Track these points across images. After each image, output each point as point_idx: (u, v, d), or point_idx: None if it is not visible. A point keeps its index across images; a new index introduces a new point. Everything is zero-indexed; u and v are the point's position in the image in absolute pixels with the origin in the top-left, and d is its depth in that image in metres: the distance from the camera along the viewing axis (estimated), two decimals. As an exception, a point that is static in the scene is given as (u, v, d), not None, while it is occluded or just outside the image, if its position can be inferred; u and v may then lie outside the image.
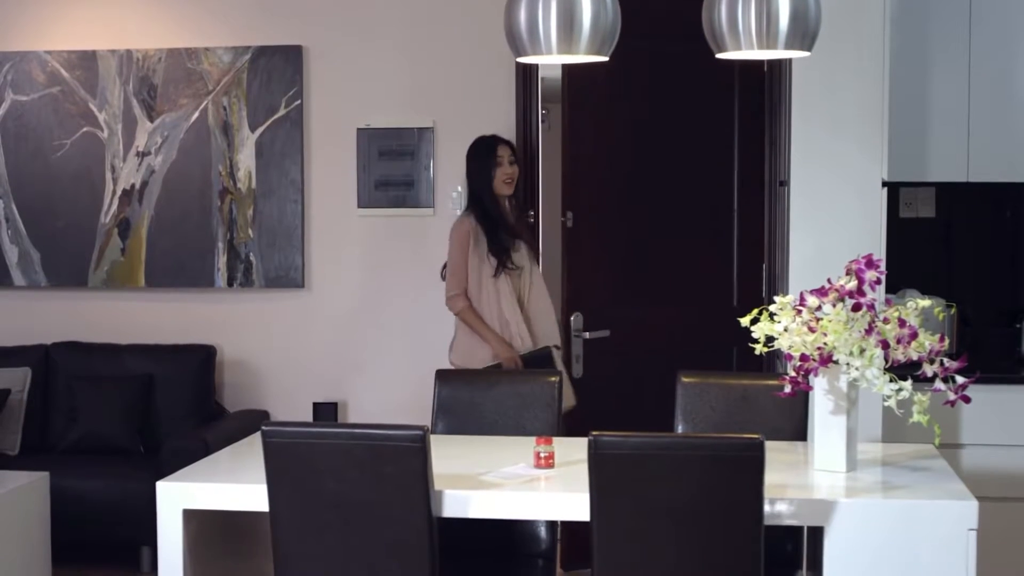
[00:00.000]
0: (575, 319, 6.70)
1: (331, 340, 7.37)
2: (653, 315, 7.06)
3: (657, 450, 3.80)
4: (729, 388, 5.04)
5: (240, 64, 7.32)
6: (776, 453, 4.29)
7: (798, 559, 4.69)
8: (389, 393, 7.28)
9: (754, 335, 4.25)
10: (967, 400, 4.09)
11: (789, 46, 4.22)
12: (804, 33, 4.21)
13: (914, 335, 4.08)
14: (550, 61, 4.30)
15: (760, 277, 6.93)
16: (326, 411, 7.24)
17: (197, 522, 4.26)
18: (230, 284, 7.36)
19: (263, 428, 3.99)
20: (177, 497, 4.19)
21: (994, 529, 5.06)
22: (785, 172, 6.08)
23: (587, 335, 6.70)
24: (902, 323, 4.10)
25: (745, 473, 3.73)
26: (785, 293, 4.88)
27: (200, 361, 7.24)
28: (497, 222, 6.37)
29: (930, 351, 4.11)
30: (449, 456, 4.45)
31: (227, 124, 7.34)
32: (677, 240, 7.02)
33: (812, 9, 4.20)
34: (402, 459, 3.86)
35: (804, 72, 5.66)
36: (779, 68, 6.47)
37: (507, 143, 6.53)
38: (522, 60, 4.34)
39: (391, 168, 7.27)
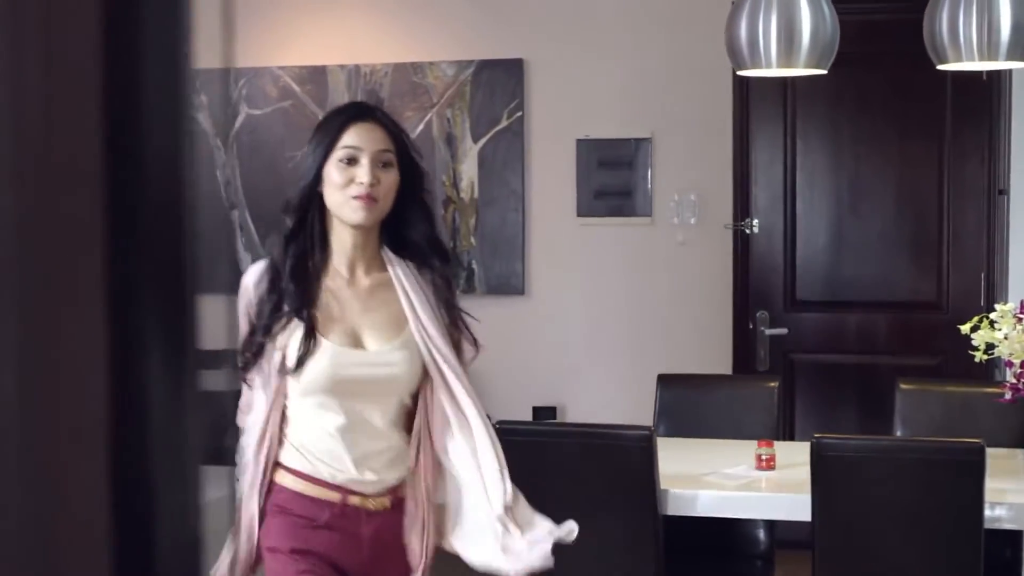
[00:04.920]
0: (761, 316, 7.07)
1: (550, 345, 7.54)
2: (860, 321, 7.12)
3: (878, 453, 3.89)
4: (948, 395, 5.09)
5: (464, 77, 7.54)
6: (995, 460, 4.34)
7: (1017, 565, 4.71)
8: (606, 398, 7.42)
9: (974, 343, 4.31)
10: None
11: (1010, 57, 4.28)
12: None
13: None
14: (770, 75, 4.41)
15: (978, 285, 6.92)
16: (545, 415, 7.41)
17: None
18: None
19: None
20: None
21: None
22: (1005, 181, 6.08)
23: (768, 332, 6.89)
24: (1124, 331, 4.13)
25: (966, 477, 3.80)
26: (1005, 301, 4.91)
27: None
28: None
29: None
30: (672, 458, 4.58)
31: (450, 135, 7.56)
32: (884, 245, 7.06)
33: (1033, 20, 4.26)
34: (631, 457, 4.01)
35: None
36: (999, 77, 6.48)
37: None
38: (743, 74, 4.46)
39: (609, 178, 7.41)
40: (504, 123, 7.53)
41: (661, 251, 7.34)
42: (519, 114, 7.49)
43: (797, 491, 4.08)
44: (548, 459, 4.09)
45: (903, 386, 5.11)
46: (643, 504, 4.02)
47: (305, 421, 3.28)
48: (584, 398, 7.46)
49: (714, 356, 7.22)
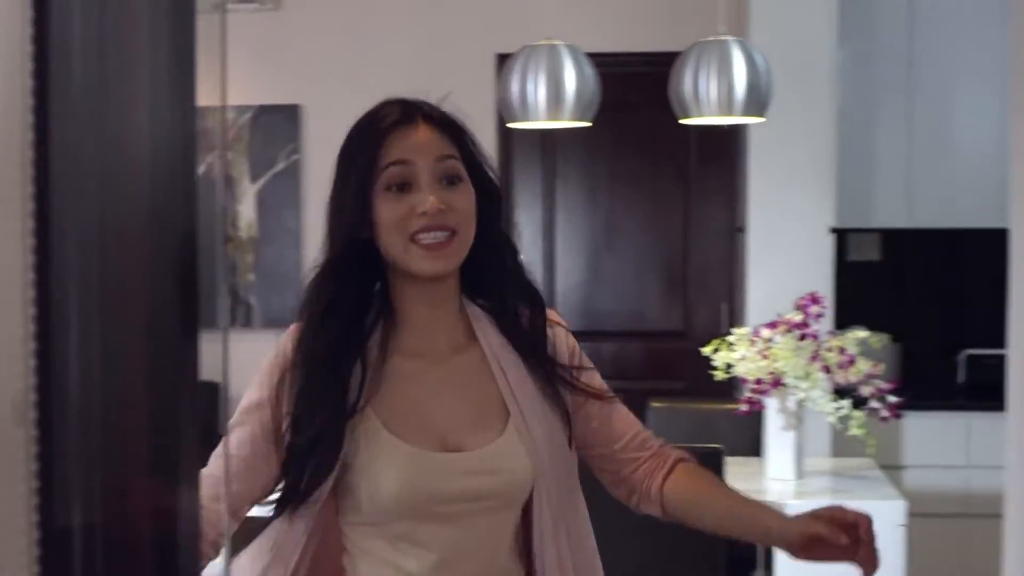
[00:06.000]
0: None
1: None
2: (615, 349, 7.63)
3: (633, 459, 4.40)
4: (693, 411, 5.66)
5: (243, 121, 7.90)
6: (734, 466, 4.91)
7: (754, 560, 5.29)
8: None
9: (714, 363, 4.89)
10: (898, 415, 4.74)
11: (746, 113, 4.85)
12: (758, 102, 4.85)
13: (852, 361, 4.73)
14: (539, 126, 4.90)
15: (720, 315, 7.50)
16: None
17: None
18: (231, 324, 7.87)
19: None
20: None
21: (931, 540, 5.70)
22: (743, 220, 6.66)
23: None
24: (842, 351, 4.75)
25: (708, 478, 4.33)
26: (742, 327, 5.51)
27: (205, 397, 7.80)
28: None
29: (866, 375, 4.77)
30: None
31: (229, 177, 7.90)
32: (636, 279, 7.60)
33: (764, 81, 4.84)
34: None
35: (760, 130, 6.21)
36: (737, 127, 7.08)
37: None
38: (513, 126, 4.95)
39: (382, 217, 7.83)
40: (281, 165, 7.88)
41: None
42: (296, 157, 7.86)
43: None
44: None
45: (654, 405, 5.65)
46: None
47: (373, 563, 2.28)
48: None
49: (481, 383, 7.66)
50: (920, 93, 6.92)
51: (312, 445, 2.21)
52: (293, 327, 2.38)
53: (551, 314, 2.43)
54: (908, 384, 6.56)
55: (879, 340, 5.05)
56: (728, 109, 4.80)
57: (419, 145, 2.30)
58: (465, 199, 2.29)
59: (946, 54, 6.92)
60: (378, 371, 2.28)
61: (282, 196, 7.88)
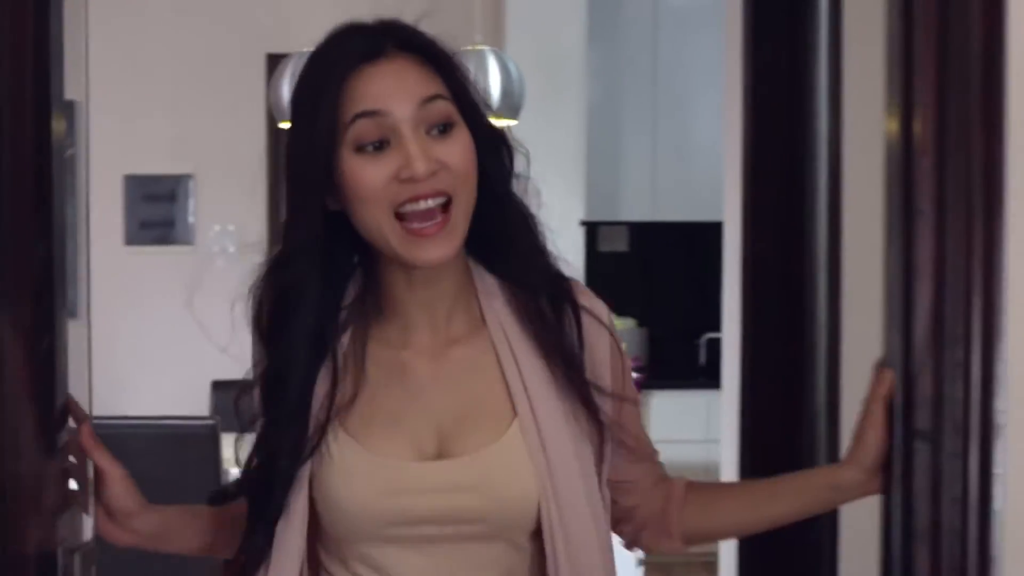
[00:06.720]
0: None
1: (105, 363, 8.03)
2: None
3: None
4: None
5: (16, 117, 8.03)
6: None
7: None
8: (166, 406, 7.87)
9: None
10: (639, 390, 5.20)
11: (500, 116, 5.26)
12: (512, 106, 5.24)
13: (597, 342, 5.17)
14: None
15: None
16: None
17: None
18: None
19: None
20: None
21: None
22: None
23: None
24: (589, 333, 5.19)
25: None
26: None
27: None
28: None
29: (610, 354, 5.22)
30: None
31: (4, 171, 8.01)
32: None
33: (517, 88, 5.24)
34: (198, 446, 4.76)
35: (515, 130, 6.55)
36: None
37: None
38: (284, 126, 5.28)
39: (155, 210, 8.01)
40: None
41: (203, 275, 7.92)
42: (71, 151, 7.98)
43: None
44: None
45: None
46: (208, 487, 4.73)
47: None
48: (143, 409, 7.96)
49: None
50: (663, 95, 7.41)
51: (269, 475, 1.81)
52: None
53: (582, 295, 1.91)
54: (654, 365, 7.09)
55: (623, 323, 5.47)
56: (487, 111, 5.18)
57: (394, 86, 1.72)
58: (462, 151, 1.75)
59: (687, 58, 7.41)
60: (352, 371, 1.81)
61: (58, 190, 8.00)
